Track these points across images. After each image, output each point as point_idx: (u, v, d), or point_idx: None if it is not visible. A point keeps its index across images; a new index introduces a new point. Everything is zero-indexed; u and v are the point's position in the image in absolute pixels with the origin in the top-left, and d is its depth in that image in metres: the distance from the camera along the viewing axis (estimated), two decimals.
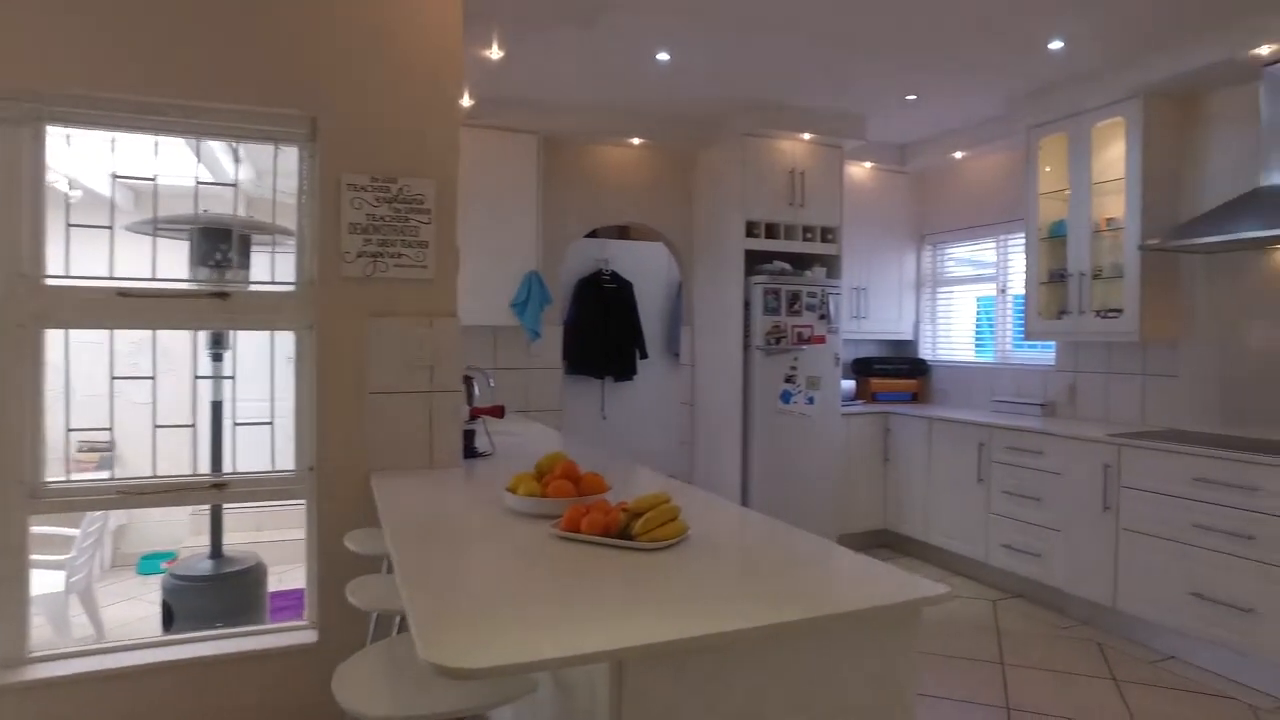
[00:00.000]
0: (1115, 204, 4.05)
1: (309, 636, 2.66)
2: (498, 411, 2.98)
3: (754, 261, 4.80)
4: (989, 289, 5.28)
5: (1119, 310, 3.97)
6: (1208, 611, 3.29)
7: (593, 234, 6.92)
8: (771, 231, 4.83)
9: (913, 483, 4.92)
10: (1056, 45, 3.65)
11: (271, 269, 2.88)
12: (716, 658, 1.26)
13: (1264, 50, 3.36)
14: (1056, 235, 4.33)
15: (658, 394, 6.95)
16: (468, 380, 3.36)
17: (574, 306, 6.61)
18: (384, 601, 1.95)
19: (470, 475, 2.64)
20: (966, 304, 5.51)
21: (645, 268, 6.91)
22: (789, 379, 4.73)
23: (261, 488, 2.72)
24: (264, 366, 2.94)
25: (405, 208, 2.71)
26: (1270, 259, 3.65)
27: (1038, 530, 4.08)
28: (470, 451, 2.94)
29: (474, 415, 3.02)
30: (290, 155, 2.74)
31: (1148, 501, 3.52)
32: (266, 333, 2.88)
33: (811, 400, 4.79)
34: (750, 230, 4.75)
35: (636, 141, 4.97)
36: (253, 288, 2.84)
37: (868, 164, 5.47)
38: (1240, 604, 3.18)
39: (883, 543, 5.26)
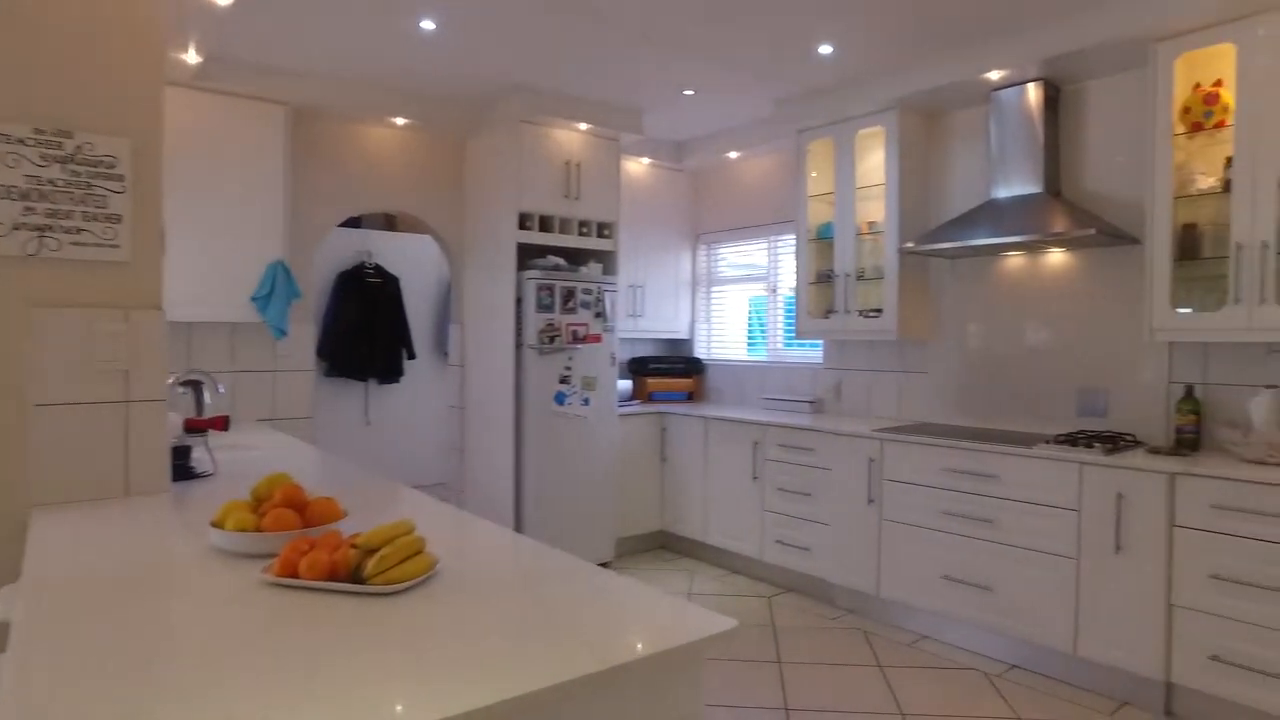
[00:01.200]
0: (877, 209, 4.24)
1: None
2: (218, 423, 2.49)
3: (527, 256, 4.55)
4: (761, 289, 5.40)
5: (879, 310, 4.15)
6: (955, 592, 3.49)
7: (355, 224, 6.36)
8: (546, 225, 4.60)
9: (690, 483, 4.90)
10: (826, 50, 3.73)
11: None
12: None
13: (993, 75, 3.62)
14: (824, 237, 4.48)
15: (427, 397, 6.50)
16: (195, 387, 2.81)
17: (334, 302, 6.00)
18: None
19: (180, 503, 2.15)
20: (740, 303, 5.61)
21: (414, 261, 6.44)
22: (564, 379, 4.53)
23: None
24: None
25: (87, 171, 2.15)
26: (1001, 265, 3.97)
27: (808, 525, 4.17)
28: (184, 473, 2.43)
29: (189, 428, 2.51)
30: None
31: (906, 493, 3.69)
32: None
33: (587, 401, 4.62)
34: (523, 222, 4.48)
35: (401, 122, 4.53)
36: None
37: (645, 160, 5.40)
38: (981, 583, 3.40)
39: (662, 544, 5.21)
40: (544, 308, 4.45)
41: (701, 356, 5.72)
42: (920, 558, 3.63)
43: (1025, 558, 3.26)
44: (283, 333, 4.06)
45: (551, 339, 4.47)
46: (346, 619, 1.22)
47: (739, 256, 5.55)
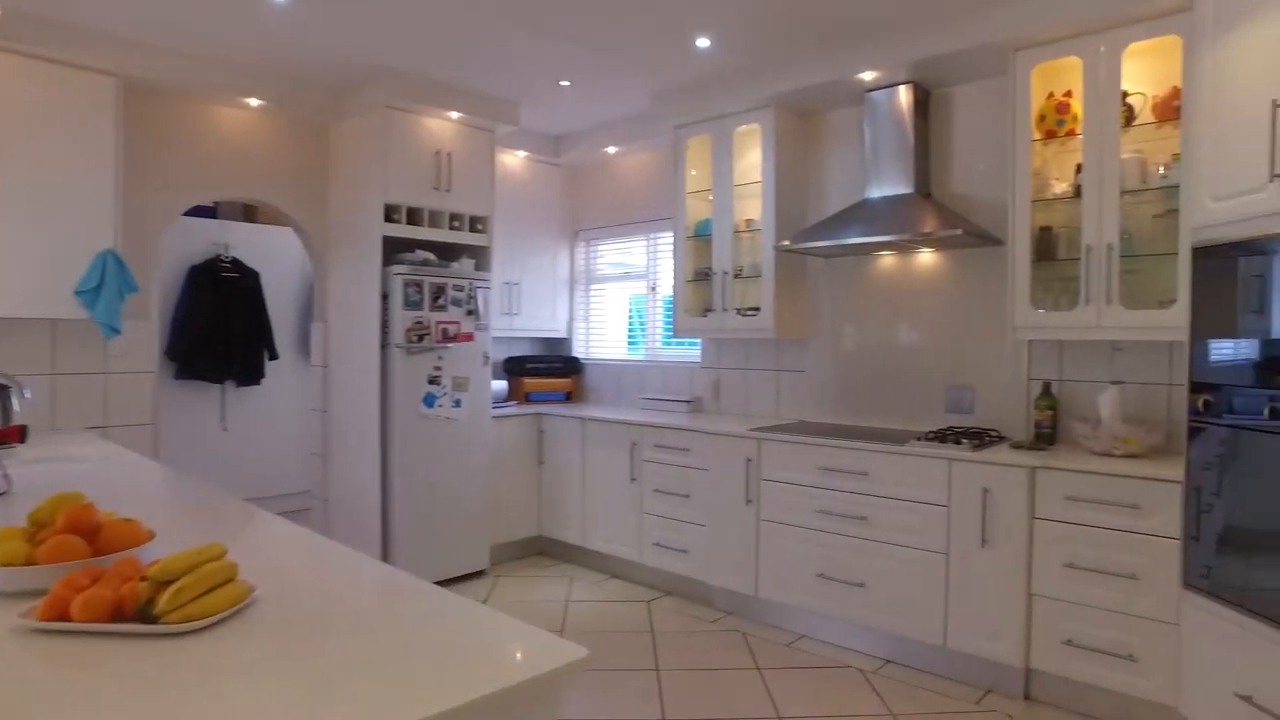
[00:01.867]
0: (755, 206, 4.23)
1: None
2: (12, 434, 2.17)
3: (395, 250, 4.30)
4: (640, 287, 5.32)
5: (757, 309, 4.14)
6: (831, 590, 3.50)
7: (210, 213, 5.89)
8: (415, 218, 4.36)
9: (568, 486, 4.77)
10: (704, 43, 3.67)
11: None
12: None
13: (866, 76, 3.66)
14: (702, 235, 4.43)
15: (290, 400, 6.10)
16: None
17: (185, 298, 5.54)
18: None
19: None
20: (620, 302, 5.51)
21: (277, 255, 6.03)
22: (433, 380, 4.30)
23: None
24: None
25: None
26: (874, 265, 4.03)
27: (687, 527, 4.12)
28: None
29: None
30: None
31: (782, 492, 3.68)
32: None
33: (459, 403, 4.41)
34: (390, 215, 4.23)
35: (255, 103, 4.18)
36: None
37: (522, 153, 5.23)
38: (856, 580, 3.42)
39: (540, 550, 5.05)
40: (412, 305, 4.21)
41: (580, 356, 5.59)
42: (797, 557, 3.63)
43: (898, 554, 3.30)
44: (115, 330, 3.66)
45: (420, 338, 4.23)
46: (130, 667, 1.02)
47: (618, 254, 5.45)
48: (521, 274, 5.27)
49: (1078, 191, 3.15)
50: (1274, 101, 2.25)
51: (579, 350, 5.64)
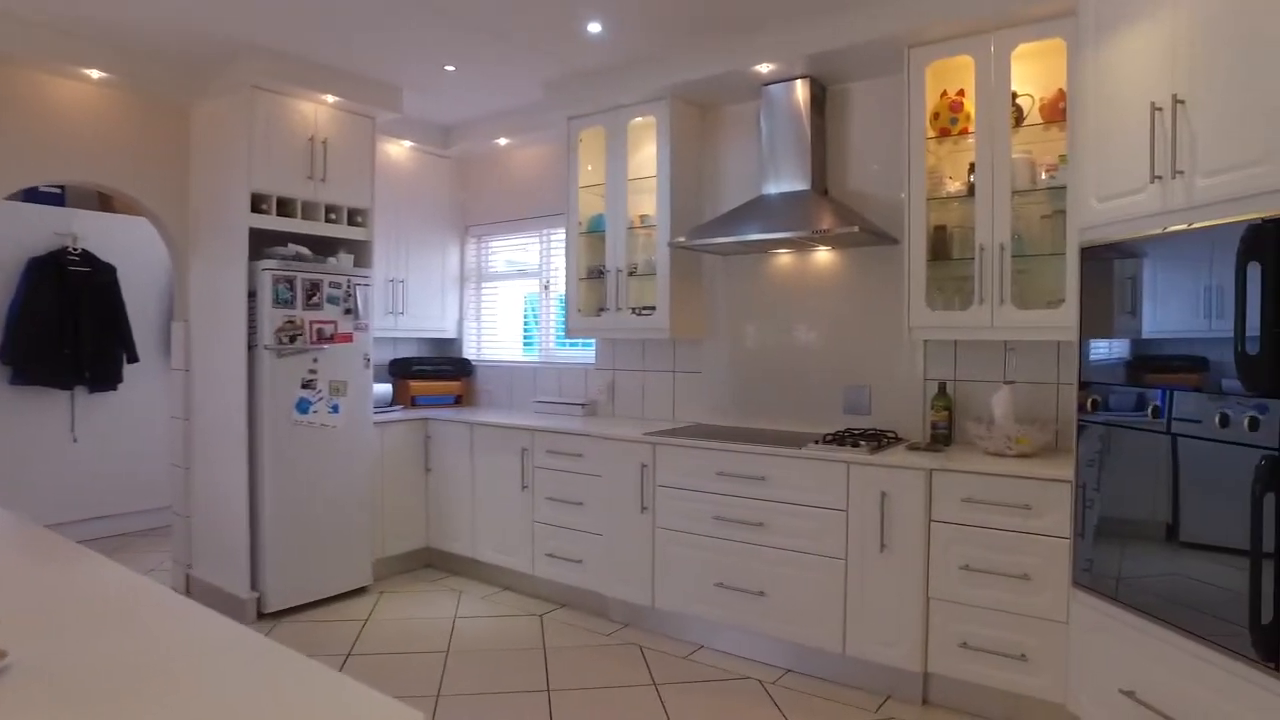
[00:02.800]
0: (650, 202, 4.09)
1: None
2: None
3: (265, 243, 3.95)
4: (535, 285, 5.10)
5: (652, 308, 4.00)
6: (729, 599, 3.39)
7: (57, 200, 5.33)
8: (287, 209, 4.02)
9: (457, 494, 4.51)
10: (595, 28, 3.50)
11: None
12: None
13: (763, 68, 3.57)
14: (596, 230, 4.26)
15: (152, 407, 5.61)
16: None
17: (22, 294, 4.98)
18: None
19: None
20: (514, 301, 5.28)
21: (137, 249, 5.53)
22: (307, 384, 3.97)
23: None
24: None
25: None
26: (771, 263, 3.96)
27: (580, 536, 3.93)
28: None
29: None
30: None
31: (678, 498, 3.54)
32: None
33: (336, 408, 4.09)
34: (258, 205, 3.88)
35: (96, 75, 3.75)
36: None
37: (407, 143, 4.93)
38: (754, 588, 3.32)
39: (428, 562, 4.77)
40: (283, 303, 3.88)
41: (471, 357, 5.33)
42: (694, 565, 3.50)
43: (796, 560, 3.21)
44: None
45: (292, 338, 3.90)
46: None
47: (511, 251, 5.22)
48: (407, 271, 4.97)
49: (971, 190, 3.14)
50: (1152, 104, 2.26)
51: (470, 352, 5.37)
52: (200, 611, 1.27)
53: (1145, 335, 2.34)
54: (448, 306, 5.26)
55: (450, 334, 5.29)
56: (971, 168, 3.14)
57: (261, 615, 3.86)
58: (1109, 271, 2.47)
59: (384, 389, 4.79)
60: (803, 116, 3.62)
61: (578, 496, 3.94)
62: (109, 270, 5.34)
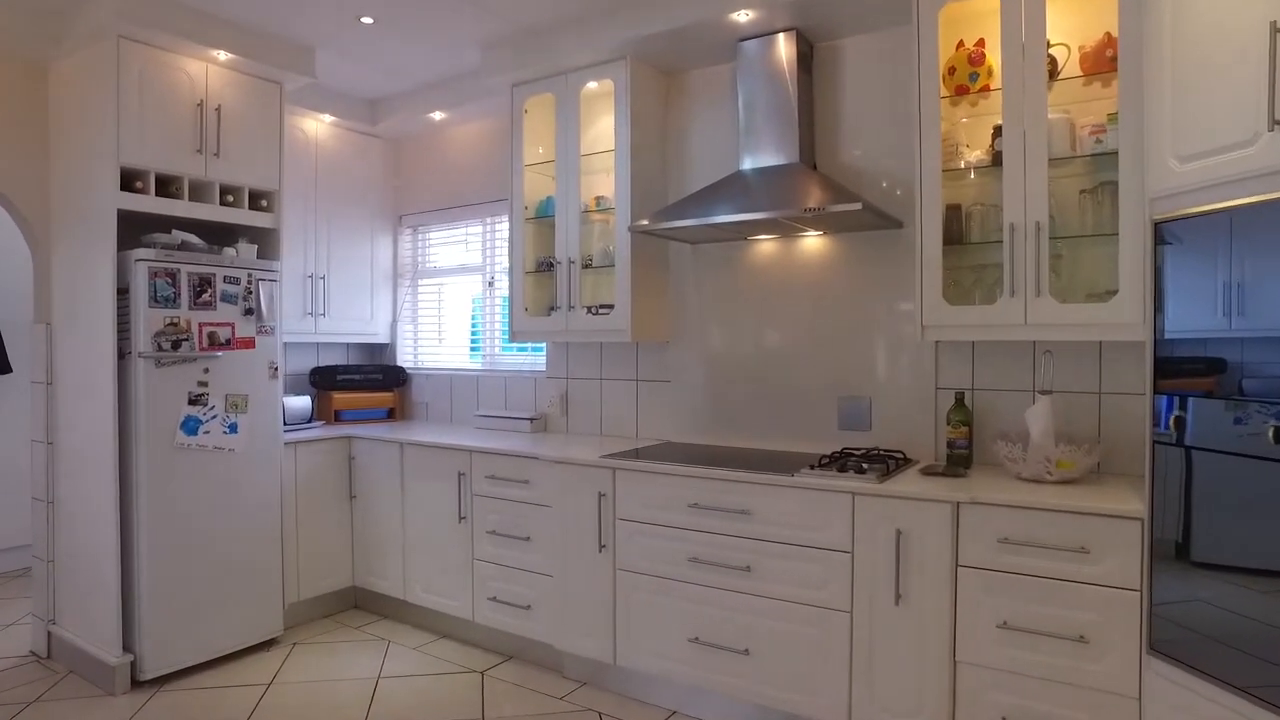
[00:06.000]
0: (606, 183, 3.49)
1: None
2: None
3: (145, 230, 3.27)
4: (479, 282, 4.46)
5: (610, 306, 3.39)
6: (706, 658, 2.79)
7: None
8: (169, 188, 3.34)
9: (385, 527, 3.85)
10: None
11: None
12: None
13: (741, 17, 2.97)
14: (544, 216, 3.65)
15: (25, 427, 4.82)
16: None
17: None
18: None
19: None
20: (460, 300, 4.62)
21: (8, 243, 4.75)
22: (196, 399, 3.29)
23: None
24: None
25: None
26: (749, 252, 3.37)
27: (528, 577, 3.31)
28: None
29: None
30: None
31: (644, 534, 2.93)
32: None
33: (234, 428, 3.41)
34: (131, 183, 3.19)
35: None
36: None
37: (328, 118, 4.26)
38: (737, 645, 2.72)
39: (355, 603, 4.10)
40: (163, 301, 3.19)
41: (407, 365, 4.67)
42: (664, 616, 2.89)
43: (790, 612, 2.62)
44: None
45: (175, 344, 3.22)
46: None
47: (453, 244, 4.57)
48: (329, 266, 4.30)
49: (995, 159, 2.58)
50: (1273, 24, 1.71)
51: (405, 358, 4.71)
52: None
53: (1256, 333, 1.79)
54: (378, 307, 4.59)
55: (382, 338, 4.62)
56: (996, 131, 2.59)
57: (137, 683, 3.16)
58: (1198, 251, 1.93)
59: (301, 402, 4.11)
60: (786, 77, 3.05)
61: (524, 530, 3.31)
62: None
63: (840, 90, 3.15)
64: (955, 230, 2.72)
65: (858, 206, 2.58)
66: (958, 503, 2.32)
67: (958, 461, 2.74)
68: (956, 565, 2.33)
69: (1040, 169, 2.43)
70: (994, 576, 2.28)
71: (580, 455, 3.11)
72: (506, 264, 3.93)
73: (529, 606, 3.30)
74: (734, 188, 3.04)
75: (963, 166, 2.70)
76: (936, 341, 2.91)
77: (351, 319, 4.43)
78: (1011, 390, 2.78)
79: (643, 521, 2.93)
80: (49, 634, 3.47)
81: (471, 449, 3.47)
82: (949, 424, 2.76)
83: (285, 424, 3.96)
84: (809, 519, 2.57)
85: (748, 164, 3.13)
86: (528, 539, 3.29)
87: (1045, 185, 2.43)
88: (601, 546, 3.04)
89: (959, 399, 2.78)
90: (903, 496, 2.40)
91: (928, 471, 2.62)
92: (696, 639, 2.81)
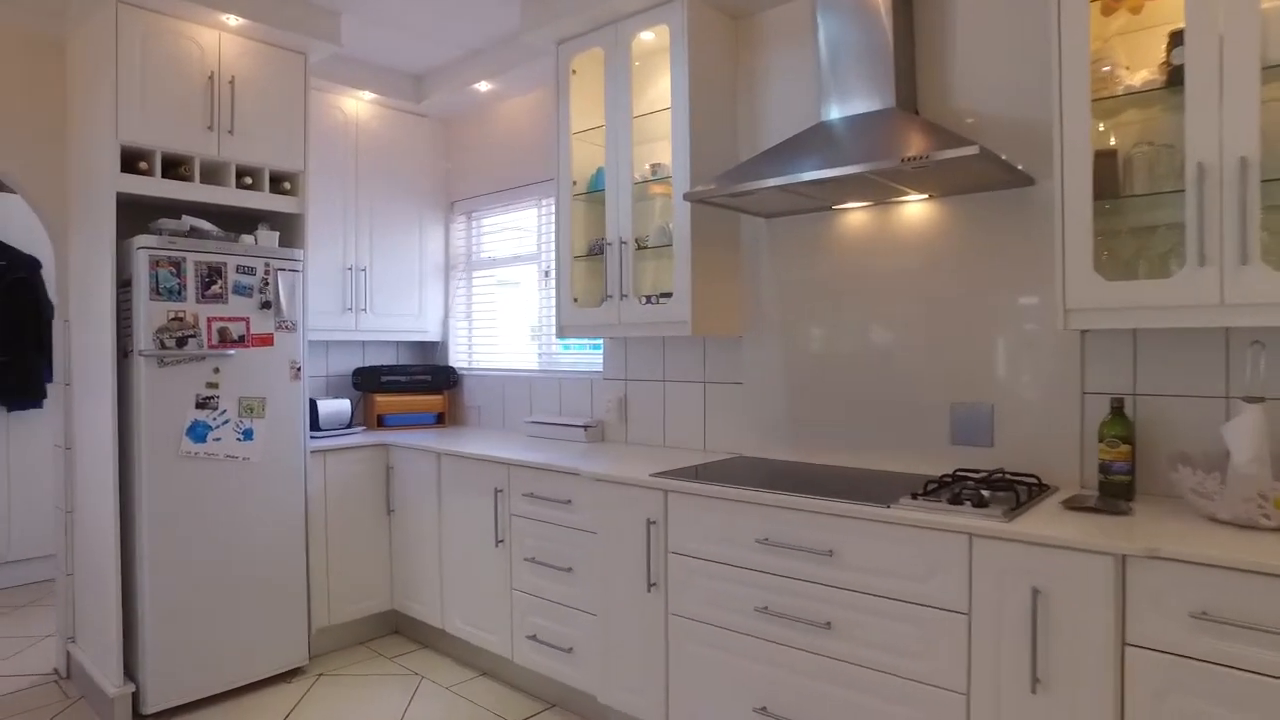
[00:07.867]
0: (664, 150, 2.95)
1: None
2: None
3: (151, 216, 2.96)
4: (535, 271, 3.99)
5: (669, 294, 2.85)
6: None
7: None
8: (178, 171, 3.01)
9: (424, 546, 3.43)
10: None
11: None
12: None
13: None
14: (596, 190, 3.13)
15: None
16: None
17: None
18: None
19: None
20: (520, 292, 4.15)
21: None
22: (204, 402, 2.94)
23: None
24: None
25: None
26: (837, 224, 2.75)
27: (569, 614, 2.80)
28: None
29: None
30: None
31: (702, 574, 2.37)
32: None
33: (249, 434, 3.05)
34: (133, 163, 2.88)
35: None
36: None
37: (367, 94, 3.88)
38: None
39: (395, 628, 3.70)
40: (166, 293, 2.85)
41: (460, 365, 4.26)
42: (724, 676, 2.32)
43: (884, 685, 2.00)
44: None
45: (180, 341, 2.88)
46: None
47: (511, 230, 4.11)
48: (372, 256, 3.93)
49: (1172, 78, 1.89)
50: None
51: (459, 358, 4.29)
52: None
53: None
54: (428, 301, 4.19)
55: (433, 336, 4.22)
56: (1173, 40, 1.90)
57: (140, 717, 2.83)
58: None
59: (339, 406, 3.75)
60: (880, 8, 2.42)
61: (565, 560, 2.80)
62: (30, 265, 4.45)
63: (949, 14, 2.49)
64: (1109, 181, 2.03)
65: (974, 150, 1.93)
66: (1124, 555, 1.65)
67: (1116, 492, 2.04)
68: (1124, 644, 1.66)
69: (1249, 83, 1.72)
70: (1183, 666, 1.60)
71: (625, 473, 2.57)
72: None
73: (570, 649, 2.78)
74: (814, 141, 2.43)
75: (1121, 93, 2.00)
76: (1084, 331, 2.22)
77: (398, 315, 4.05)
78: (1195, 396, 2.05)
79: (700, 557, 2.36)
80: (68, 653, 3.21)
81: (509, 462, 2.98)
82: (1102, 441, 2.07)
83: (320, 429, 3.61)
84: (910, 565, 1.94)
85: (834, 113, 2.52)
86: (570, 570, 2.78)
87: (1256, 106, 1.72)
88: (651, 585, 2.49)
89: (1117, 408, 2.07)
90: (1042, 543, 1.74)
91: (1074, 505, 1.95)
92: (764, 710, 2.22)
